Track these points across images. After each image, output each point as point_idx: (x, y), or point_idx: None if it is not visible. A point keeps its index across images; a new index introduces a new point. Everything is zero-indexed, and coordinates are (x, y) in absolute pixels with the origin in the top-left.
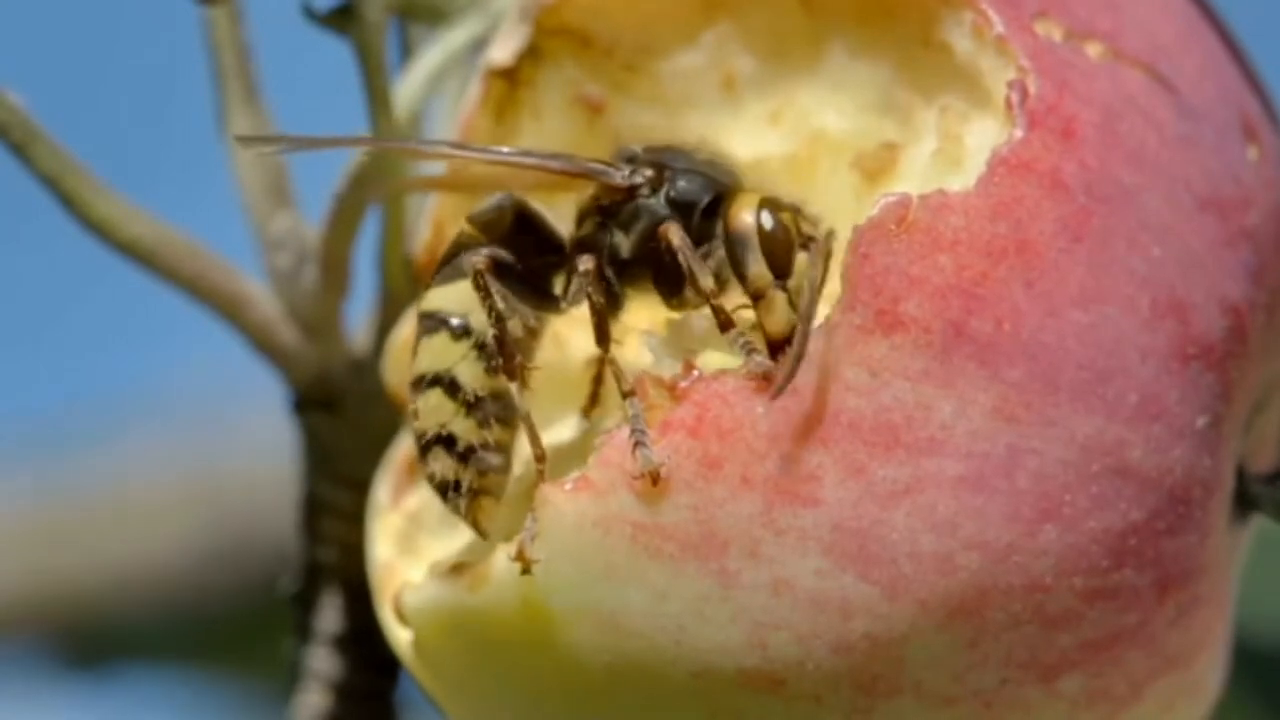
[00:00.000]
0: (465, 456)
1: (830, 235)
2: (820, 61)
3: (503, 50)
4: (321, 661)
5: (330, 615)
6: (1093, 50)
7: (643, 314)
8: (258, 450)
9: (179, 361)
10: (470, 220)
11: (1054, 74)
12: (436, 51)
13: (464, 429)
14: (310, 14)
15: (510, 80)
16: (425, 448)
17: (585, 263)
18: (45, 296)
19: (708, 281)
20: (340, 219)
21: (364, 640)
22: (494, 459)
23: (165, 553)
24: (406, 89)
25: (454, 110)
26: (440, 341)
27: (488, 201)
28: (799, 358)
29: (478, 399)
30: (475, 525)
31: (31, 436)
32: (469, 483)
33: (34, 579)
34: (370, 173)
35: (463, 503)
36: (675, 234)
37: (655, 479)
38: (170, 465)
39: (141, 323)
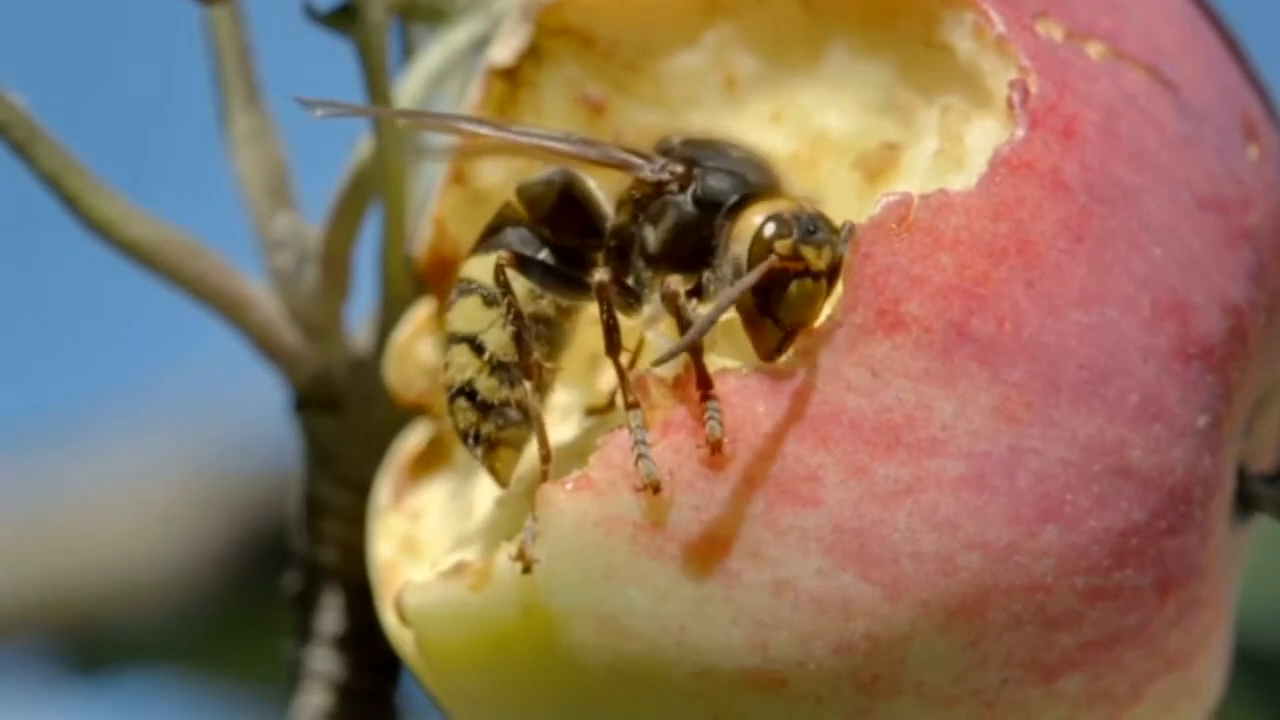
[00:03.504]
0: (486, 410)
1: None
2: (822, 62)
3: (504, 50)
4: (322, 662)
5: (331, 616)
6: (1094, 50)
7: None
8: (258, 450)
9: (179, 362)
10: (519, 191)
11: (1055, 74)
12: (438, 51)
13: (486, 386)
14: (312, 14)
15: (511, 80)
16: (451, 398)
17: (601, 274)
18: (45, 296)
19: (693, 341)
20: (341, 219)
21: (365, 640)
22: (514, 414)
23: (165, 554)
24: (408, 89)
25: (455, 110)
26: (472, 305)
27: (539, 173)
28: (688, 344)
29: (501, 363)
30: (494, 473)
31: (31, 437)
32: (489, 433)
33: (32, 581)
34: (371, 173)
35: (482, 451)
36: (679, 291)
37: (656, 490)
38: (170, 466)
39: (142, 323)
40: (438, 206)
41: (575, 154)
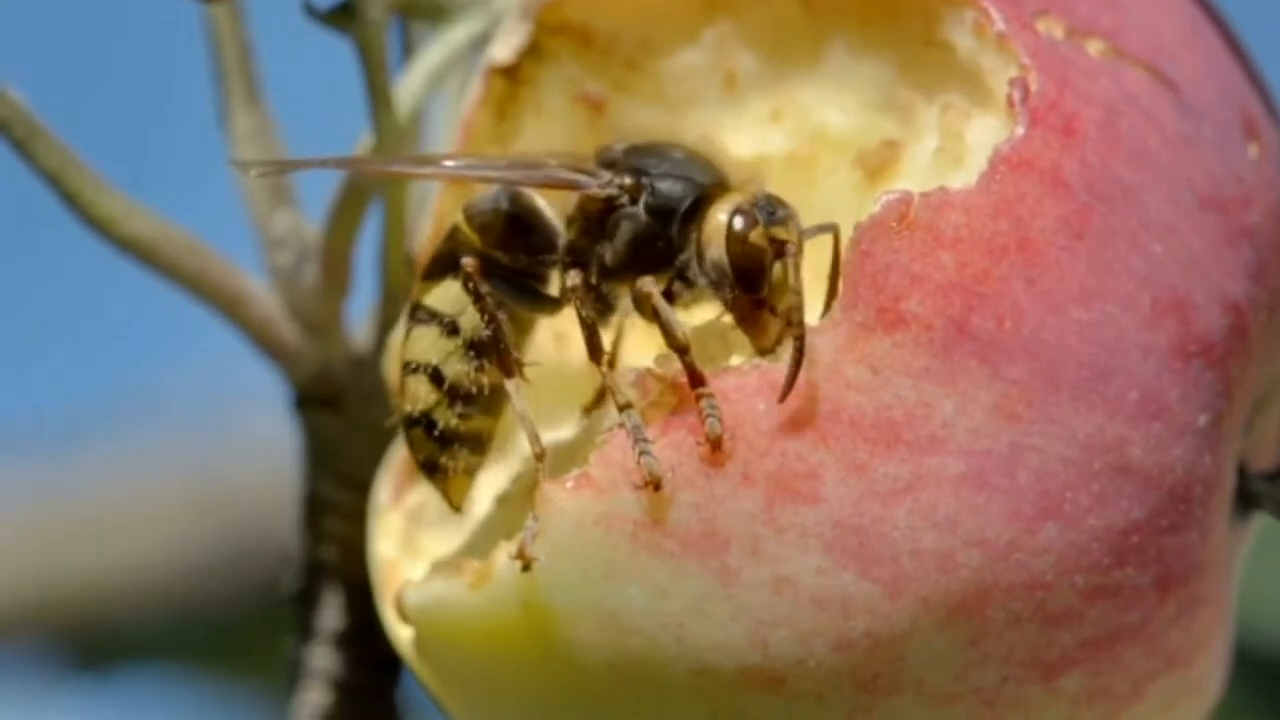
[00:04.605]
0: (444, 440)
1: (801, 234)
2: (821, 59)
3: (504, 48)
4: (323, 659)
5: (331, 613)
6: (1094, 48)
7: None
8: (258, 450)
9: (179, 361)
10: (466, 216)
11: (1055, 72)
12: (438, 49)
13: (445, 417)
14: (312, 12)
15: (511, 78)
16: (407, 427)
17: (573, 278)
18: (45, 295)
19: (678, 339)
20: (341, 217)
21: (365, 638)
22: (472, 443)
23: (166, 553)
24: (407, 87)
25: (455, 108)
26: (430, 335)
27: (484, 195)
28: (796, 371)
29: (462, 393)
30: (449, 500)
31: (31, 437)
32: (446, 463)
33: (35, 581)
34: (371, 173)
35: (439, 479)
36: (652, 290)
37: (658, 487)
38: (171, 465)
39: (142, 321)
40: (438, 205)
41: (520, 180)
